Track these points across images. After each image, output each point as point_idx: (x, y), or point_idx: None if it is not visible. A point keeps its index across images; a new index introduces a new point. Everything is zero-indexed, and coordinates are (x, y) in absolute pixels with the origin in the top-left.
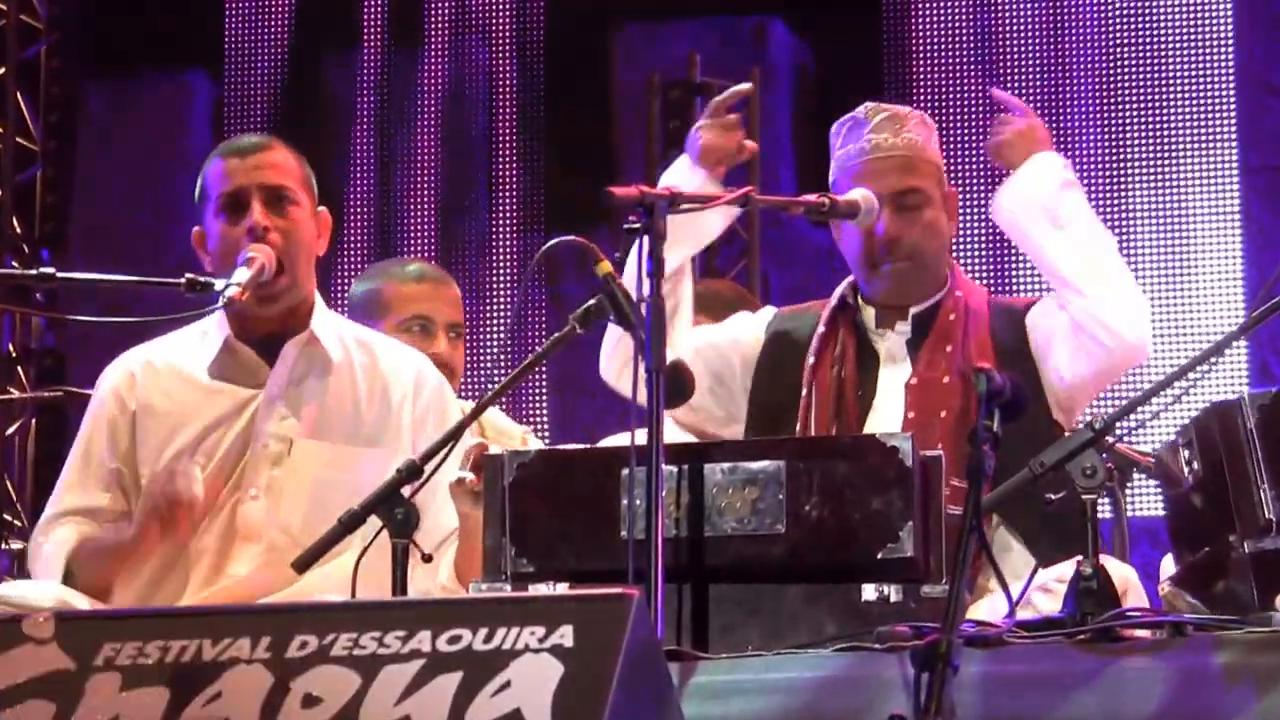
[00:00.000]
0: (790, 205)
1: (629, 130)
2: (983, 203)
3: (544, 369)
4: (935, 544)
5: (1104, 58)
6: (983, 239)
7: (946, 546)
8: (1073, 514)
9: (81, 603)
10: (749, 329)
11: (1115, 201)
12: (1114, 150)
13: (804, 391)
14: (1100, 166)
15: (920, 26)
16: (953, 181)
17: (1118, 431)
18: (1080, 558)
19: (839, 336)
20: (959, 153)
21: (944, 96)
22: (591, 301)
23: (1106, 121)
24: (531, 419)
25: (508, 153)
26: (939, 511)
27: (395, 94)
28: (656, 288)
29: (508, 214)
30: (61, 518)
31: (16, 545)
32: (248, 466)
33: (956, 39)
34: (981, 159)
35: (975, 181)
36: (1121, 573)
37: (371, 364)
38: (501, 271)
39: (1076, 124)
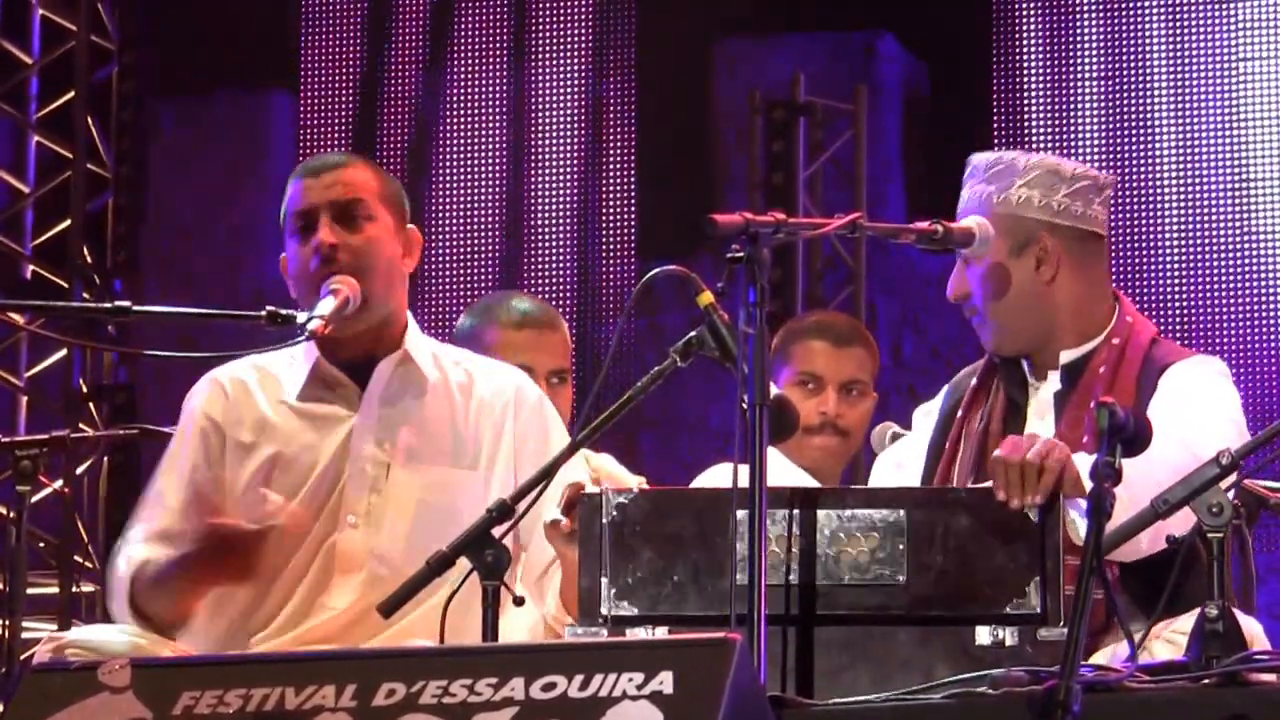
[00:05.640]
0: (900, 233)
1: (728, 151)
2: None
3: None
4: (1055, 590)
5: (1230, 73)
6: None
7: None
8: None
9: (159, 649)
10: (928, 416)
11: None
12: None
13: (947, 445)
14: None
15: (1035, 42)
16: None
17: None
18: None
19: (992, 388)
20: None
21: (1061, 117)
22: (692, 334)
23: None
24: (625, 456)
25: (596, 175)
26: (1059, 562)
27: (476, 111)
28: (760, 318)
29: (598, 240)
30: (140, 541)
31: (89, 588)
32: (344, 493)
33: (1073, 56)
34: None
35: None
36: (1249, 628)
37: (469, 383)
38: (592, 301)
39: (1200, 141)
